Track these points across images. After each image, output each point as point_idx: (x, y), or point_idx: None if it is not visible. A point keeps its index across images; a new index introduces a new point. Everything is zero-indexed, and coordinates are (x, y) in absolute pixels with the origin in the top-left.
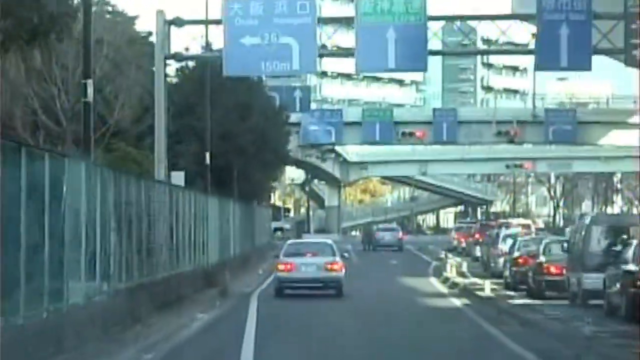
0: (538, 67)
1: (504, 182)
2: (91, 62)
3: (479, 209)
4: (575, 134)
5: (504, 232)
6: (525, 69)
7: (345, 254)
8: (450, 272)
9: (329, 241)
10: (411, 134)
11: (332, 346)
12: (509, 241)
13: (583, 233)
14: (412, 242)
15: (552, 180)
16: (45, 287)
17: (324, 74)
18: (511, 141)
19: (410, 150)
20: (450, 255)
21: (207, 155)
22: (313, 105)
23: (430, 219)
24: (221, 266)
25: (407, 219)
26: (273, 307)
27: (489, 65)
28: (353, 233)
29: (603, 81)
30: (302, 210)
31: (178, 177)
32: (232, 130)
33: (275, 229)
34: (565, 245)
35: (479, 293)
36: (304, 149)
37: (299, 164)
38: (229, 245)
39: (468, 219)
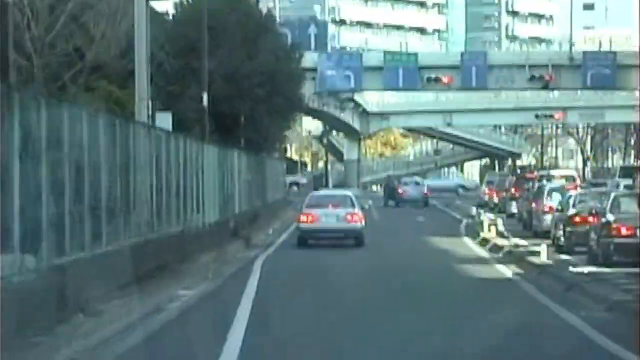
0: None
1: (531, 134)
2: None
3: (505, 162)
4: (614, 78)
5: (549, 185)
6: (551, 17)
7: (366, 206)
8: (489, 232)
9: (349, 193)
10: (437, 80)
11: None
12: (556, 196)
13: None
14: (436, 197)
15: (581, 131)
16: None
17: (342, 22)
18: (545, 86)
19: (433, 100)
20: (481, 211)
21: (204, 96)
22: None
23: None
24: (222, 226)
25: (431, 172)
26: (277, 282)
27: (514, 13)
28: (374, 188)
29: (628, 30)
30: (320, 164)
31: (164, 119)
32: (238, 71)
33: (291, 184)
34: None
35: (531, 259)
36: (321, 98)
37: (315, 113)
38: (233, 201)
39: (498, 172)
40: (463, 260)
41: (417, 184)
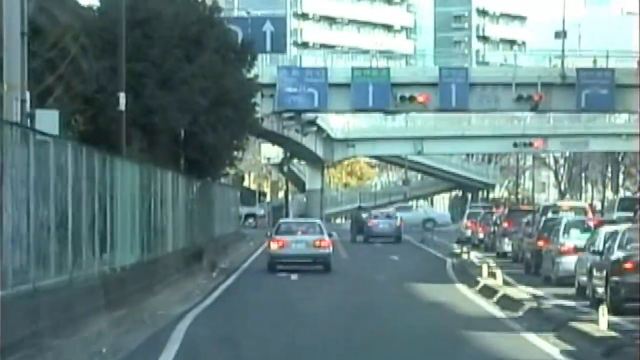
0: None
1: (504, 165)
2: None
3: (477, 194)
4: (612, 99)
5: (565, 219)
6: (523, 43)
7: (333, 233)
8: (492, 279)
9: (318, 220)
10: (412, 99)
11: None
12: (575, 232)
13: None
14: (407, 232)
15: (559, 162)
16: None
17: (304, 44)
18: (534, 108)
19: (403, 126)
20: (465, 248)
21: (122, 97)
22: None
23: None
24: (143, 269)
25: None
26: None
27: (484, 39)
28: (338, 221)
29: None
30: (280, 194)
31: (47, 119)
32: (175, 74)
33: (247, 216)
34: None
35: (579, 326)
36: (281, 120)
37: (274, 137)
38: (165, 236)
39: (481, 204)
40: (471, 323)
41: (389, 217)
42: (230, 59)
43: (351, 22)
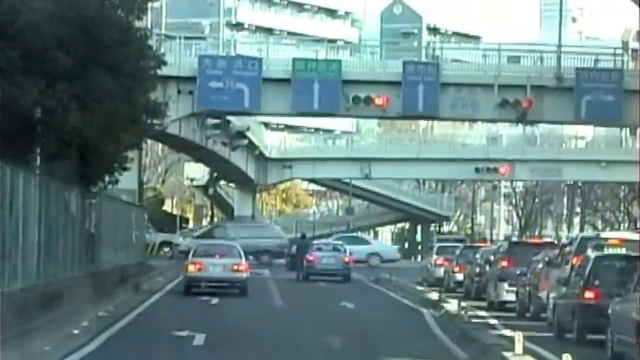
0: None
1: (461, 195)
2: None
3: (428, 226)
4: (619, 108)
5: None
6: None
7: (250, 257)
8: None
9: (235, 243)
10: (368, 101)
11: None
12: None
13: None
14: (354, 269)
15: (516, 194)
16: None
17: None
18: (522, 116)
19: (347, 147)
20: (445, 296)
21: None
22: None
23: None
24: None
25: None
26: None
27: (435, 58)
28: None
29: None
30: (206, 221)
31: None
32: (18, 18)
33: (162, 244)
34: None
35: None
36: (204, 130)
37: (196, 152)
38: None
39: (452, 237)
40: None
41: (336, 249)
42: (109, 4)
43: (290, 35)
